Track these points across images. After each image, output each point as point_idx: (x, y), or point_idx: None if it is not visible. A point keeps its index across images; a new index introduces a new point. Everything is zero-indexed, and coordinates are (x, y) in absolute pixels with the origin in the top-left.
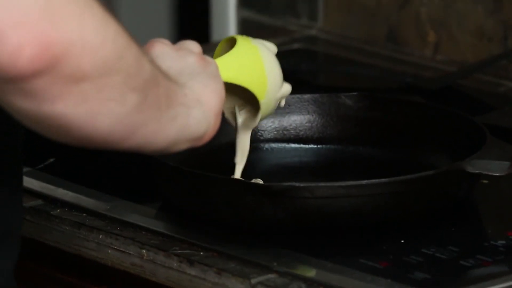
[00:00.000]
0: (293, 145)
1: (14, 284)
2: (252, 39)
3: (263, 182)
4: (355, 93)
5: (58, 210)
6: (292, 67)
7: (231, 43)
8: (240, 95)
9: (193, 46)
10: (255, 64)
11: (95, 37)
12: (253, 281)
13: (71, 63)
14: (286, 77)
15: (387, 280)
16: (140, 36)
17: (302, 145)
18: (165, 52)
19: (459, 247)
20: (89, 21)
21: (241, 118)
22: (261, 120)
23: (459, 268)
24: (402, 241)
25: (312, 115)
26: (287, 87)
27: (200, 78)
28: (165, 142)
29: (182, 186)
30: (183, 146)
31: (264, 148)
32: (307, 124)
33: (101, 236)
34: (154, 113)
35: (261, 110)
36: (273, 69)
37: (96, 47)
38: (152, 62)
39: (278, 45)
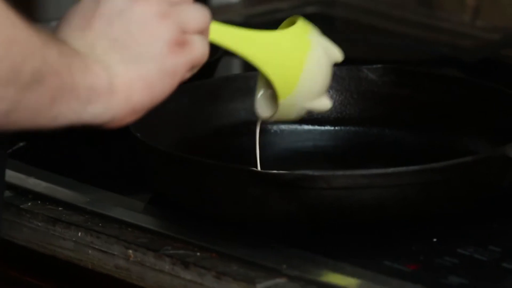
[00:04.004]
0: (306, 127)
1: None
2: (317, 35)
3: (272, 170)
4: (379, 66)
5: (29, 203)
6: None
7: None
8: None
9: (192, 18)
10: (294, 59)
11: None
12: (259, 286)
13: None
14: None
15: (416, 285)
16: None
17: (316, 127)
18: (143, 17)
19: (502, 247)
20: None
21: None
22: (275, 120)
23: (501, 271)
24: (435, 239)
25: (329, 92)
26: (324, 102)
27: (144, 66)
28: (49, 126)
29: (176, 175)
30: (77, 125)
31: (273, 131)
32: None
33: (80, 234)
34: (29, 114)
35: (279, 110)
36: (314, 75)
37: None
38: (53, 47)
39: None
